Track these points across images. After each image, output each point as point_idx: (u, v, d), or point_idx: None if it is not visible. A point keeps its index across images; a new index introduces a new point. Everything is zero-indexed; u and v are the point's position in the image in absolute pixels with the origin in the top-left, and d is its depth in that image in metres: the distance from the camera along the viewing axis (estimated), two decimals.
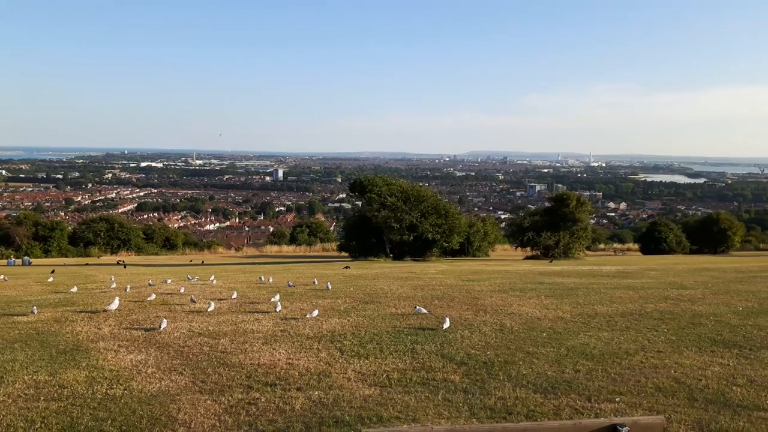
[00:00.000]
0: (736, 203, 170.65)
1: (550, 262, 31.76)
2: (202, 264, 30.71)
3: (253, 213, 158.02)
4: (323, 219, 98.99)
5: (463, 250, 39.34)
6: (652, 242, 47.84)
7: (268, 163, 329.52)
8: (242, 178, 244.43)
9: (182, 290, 14.07)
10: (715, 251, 48.15)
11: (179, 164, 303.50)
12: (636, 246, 54.48)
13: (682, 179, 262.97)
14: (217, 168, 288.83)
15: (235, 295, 12.77)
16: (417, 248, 33.74)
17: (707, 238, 49.27)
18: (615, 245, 61.50)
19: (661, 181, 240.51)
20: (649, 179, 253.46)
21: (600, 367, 7.17)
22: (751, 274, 18.55)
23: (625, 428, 3.54)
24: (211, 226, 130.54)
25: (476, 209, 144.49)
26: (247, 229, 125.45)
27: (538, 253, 38.39)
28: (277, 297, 12.47)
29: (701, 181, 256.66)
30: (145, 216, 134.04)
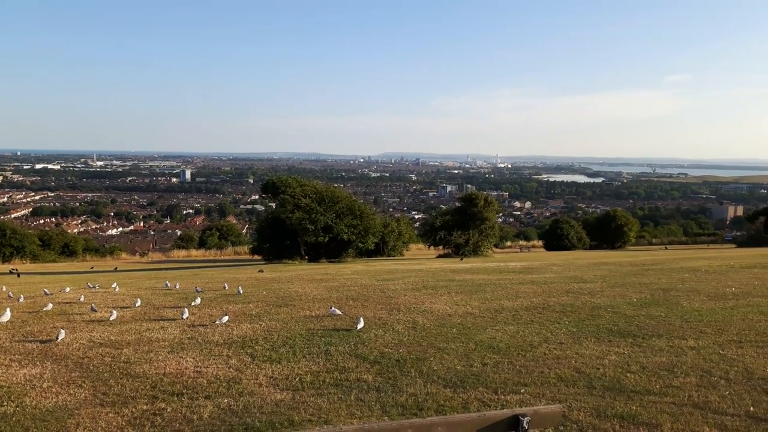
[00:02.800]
0: (631, 201, 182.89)
1: (461, 259, 32.64)
2: (115, 270, 29.13)
3: (159, 216, 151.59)
4: (235, 221, 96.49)
5: (379, 250, 39.65)
6: (554, 239, 50.23)
7: (175, 163, 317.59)
8: (147, 180, 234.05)
9: (82, 299, 13.27)
10: (612, 246, 51.27)
11: (78, 166, 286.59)
12: (540, 243, 57.05)
13: (582, 179, 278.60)
14: (120, 169, 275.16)
15: (139, 303, 12.19)
16: (332, 249, 33.62)
17: (605, 234, 52.38)
18: (521, 242, 64.13)
19: (563, 181, 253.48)
20: (551, 179, 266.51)
21: (506, 360, 7.46)
22: (644, 267, 19.91)
23: (526, 418, 3.70)
24: (114, 231, 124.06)
25: (391, 209, 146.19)
26: (152, 233, 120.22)
27: (450, 251, 39.35)
28: (198, 301, 12.07)
29: (600, 180, 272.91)
30: (42, 221, 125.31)
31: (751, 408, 5.61)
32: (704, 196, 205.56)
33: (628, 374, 6.77)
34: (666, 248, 48.52)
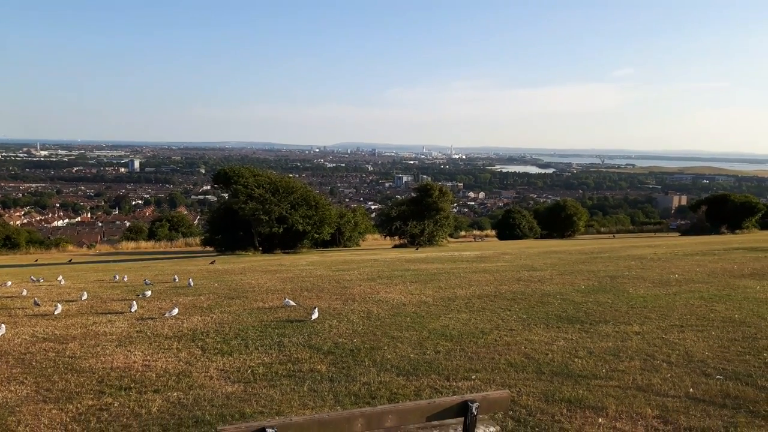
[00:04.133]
0: (581, 191, 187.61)
1: (416, 249, 32.88)
2: (70, 262, 28.14)
3: (106, 207, 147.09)
4: (186, 212, 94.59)
5: (335, 241, 39.53)
6: (507, 228, 51.13)
7: (123, 153, 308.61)
8: (94, 170, 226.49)
9: (24, 293, 12.78)
10: (562, 235, 52.53)
11: (21, 155, 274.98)
12: (493, 232, 57.98)
13: (533, 170, 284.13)
14: (65, 159, 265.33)
15: (85, 296, 11.82)
16: (287, 240, 33.33)
17: (556, 223, 53.61)
18: (475, 232, 65.07)
19: (515, 172, 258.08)
20: (504, 170, 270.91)
21: (458, 347, 7.56)
22: (592, 255, 20.48)
23: (475, 404, 3.76)
24: (60, 222, 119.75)
25: (347, 200, 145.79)
26: (100, 224, 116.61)
27: (406, 241, 39.60)
28: (148, 293, 11.79)
29: (551, 171, 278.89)
30: None
31: (691, 389, 5.84)
32: (650, 186, 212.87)
33: (576, 359, 6.96)
34: (614, 237, 50.05)
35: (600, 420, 5.12)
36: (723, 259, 17.43)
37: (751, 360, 6.78)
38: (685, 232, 49.92)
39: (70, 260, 31.10)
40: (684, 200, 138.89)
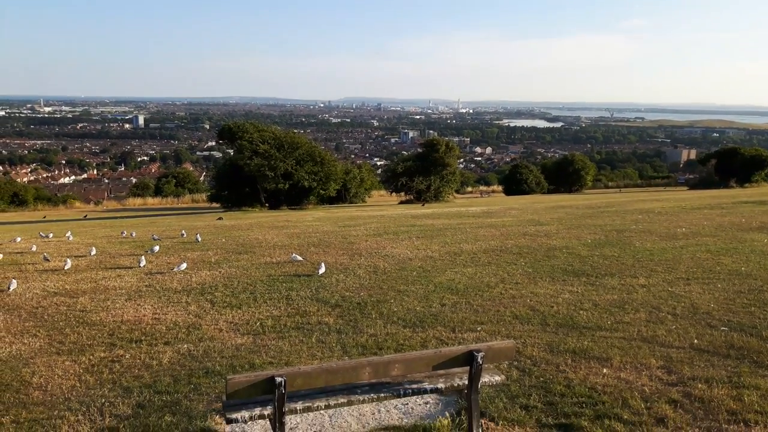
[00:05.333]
0: (589, 145, 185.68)
1: (422, 205, 32.85)
2: (85, 218, 28.35)
3: (112, 164, 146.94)
4: (191, 168, 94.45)
5: (341, 197, 39.49)
6: (514, 183, 50.84)
7: (127, 109, 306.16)
8: (98, 126, 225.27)
9: (34, 248, 12.89)
10: (570, 190, 52.25)
11: (25, 112, 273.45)
12: (500, 188, 57.69)
13: (542, 124, 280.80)
14: (70, 116, 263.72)
15: (94, 252, 11.92)
16: (293, 197, 33.30)
17: (563, 178, 53.21)
18: (481, 187, 64.83)
19: (523, 126, 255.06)
20: (512, 124, 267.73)
21: (464, 300, 7.62)
22: (599, 209, 20.41)
23: (480, 354, 3.80)
24: (67, 179, 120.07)
25: (353, 156, 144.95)
26: (106, 181, 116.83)
27: (412, 197, 39.52)
28: (156, 249, 11.87)
29: (559, 125, 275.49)
30: None
31: (695, 341, 5.89)
32: (660, 140, 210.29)
33: (581, 311, 7.01)
34: (621, 191, 49.80)
35: (604, 370, 5.18)
36: (731, 212, 17.34)
37: (757, 312, 6.81)
38: (693, 186, 49.57)
39: (86, 216, 31.31)
40: (693, 154, 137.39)
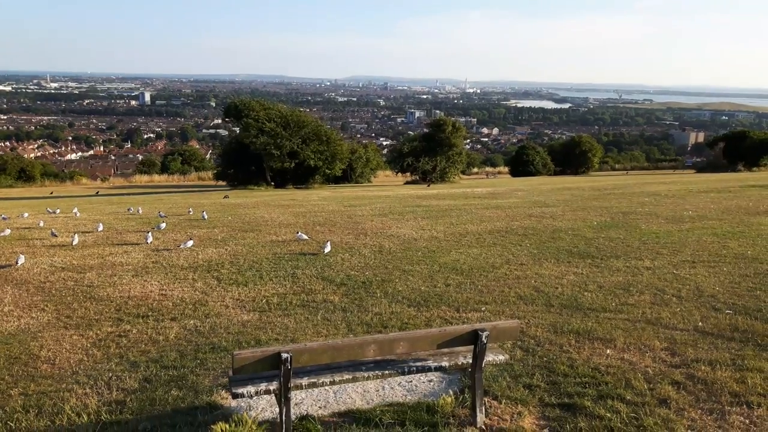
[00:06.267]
0: (596, 127, 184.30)
1: (428, 186, 32.79)
2: (97, 195, 28.48)
3: (119, 141, 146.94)
4: (197, 146, 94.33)
5: (346, 177, 39.46)
6: (520, 165, 50.61)
7: (133, 85, 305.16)
8: (105, 103, 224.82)
9: (41, 224, 12.98)
10: (576, 172, 52.00)
11: (31, 87, 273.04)
12: (506, 169, 57.51)
13: (549, 104, 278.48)
14: (76, 92, 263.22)
15: (101, 228, 11.98)
16: (299, 176, 33.30)
17: (570, 159, 52.94)
18: (487, 169, 64.62)
19: (530, 107, 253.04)
20: (519, 105, 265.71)
21: (469, 281, 7.64)
22: (605, 191, 20.33)
23: (485, 332, 3.81)
24: (73, 156, 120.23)
25: (359, 135, 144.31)
26: (113, 158, 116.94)
27: (417, 177, 39.45)
28: (163, 225, 11.91)
29: (567, 106, 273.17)
30: None
31: (700, 323, 5.90)
32: (668, 123, 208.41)
33: (586, 293, 7.02)
34: (627, 174, 49.52)
35: (608, 351, 5.20)
36: (738, 196, 17.24)
37: (762, 295, 6.80)
38: (700, 169, 49.23)
39: (97, 192, 31.45)
40: (701, 137, 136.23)
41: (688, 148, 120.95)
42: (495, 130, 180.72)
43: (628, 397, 4.32)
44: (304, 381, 3.73)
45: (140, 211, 15.36)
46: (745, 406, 4.20)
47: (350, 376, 3.82)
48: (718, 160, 47.26)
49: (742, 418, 4.04)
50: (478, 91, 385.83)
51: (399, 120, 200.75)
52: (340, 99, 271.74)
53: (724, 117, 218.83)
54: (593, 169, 54.10)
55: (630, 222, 12.25)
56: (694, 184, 23.67)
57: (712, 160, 49.26)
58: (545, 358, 5.07)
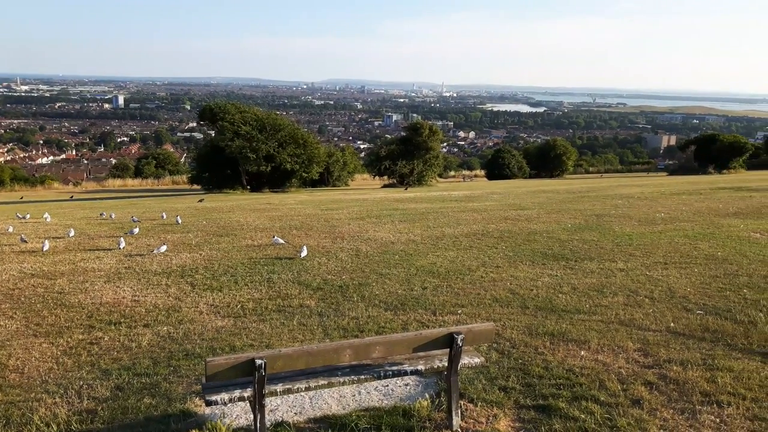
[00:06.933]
0: (571, 130, 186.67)
1: (405, 189, 32.87)
2: (71, 199, 27.90)
3: (92, 144, 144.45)
4: (172, 150, 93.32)
5: (323, 181, 39.37)
6: (496, 168, 51.06)
7: (107, 88, 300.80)
8: (77, 106, 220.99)
9: (11, 229, 12.69)
10: (551, 175, 52.61)
11: (1, 90, 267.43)
12: (483, 172, 57.91)
13: (525, 108, 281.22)
14: (47, 95, 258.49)
15: (72, 233, 11.76)
16: (275, 179, 33.12)
17: (545, 163, 53.57)
18: (464, 172, 64.96)
19: (506, 111, 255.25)
20: (495, 109, 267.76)
21: (445, 284, 7.66)
22: (580, 194, 20.58)
23: (460, 336, 3.82)
24: (44, 160, 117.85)
25: (336, 139, 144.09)
26: (85, 162, 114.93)
27: (395, 181, 39.51)
28: (136, 230, 11.69)
29: (542, 110, 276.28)
30: None
31: (672, 324, 5.99)
32: (641, 126, 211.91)
33: (560, 295, 7.09)
34: (602, 176, 50.22)
35: (582, 353, 5.25)
36: (709, 198, 17.58)
37: (731, 296, 6.94)
38: (672, 171, 50.13)
39: (72, 196, 30.88)
40: (673, 140, 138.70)
41: (661, 151, 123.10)
42: (471, 134, 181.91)
43: (602, 398, 4.36)
44: (279, 387, 3.70)
45: (113, 216, 15.13)
46: (715, 405, 4.27)
47: (326, 382, 3.80)
48: (690, 162, 48.19)
49: (712, 417, 4.11)
50: (455, 94, 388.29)
51: (376, 123, 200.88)
52: (317, 102, 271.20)
53: (695, 120, 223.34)
54: (568, 172, 54.80)
55: (603, 224, 12.41)
56: (666, 186, 24.09)
57: (683, 163, 50.21)
58: (520, 360, 5.10)
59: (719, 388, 4.50)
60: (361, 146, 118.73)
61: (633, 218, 13.26)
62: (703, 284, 7.46)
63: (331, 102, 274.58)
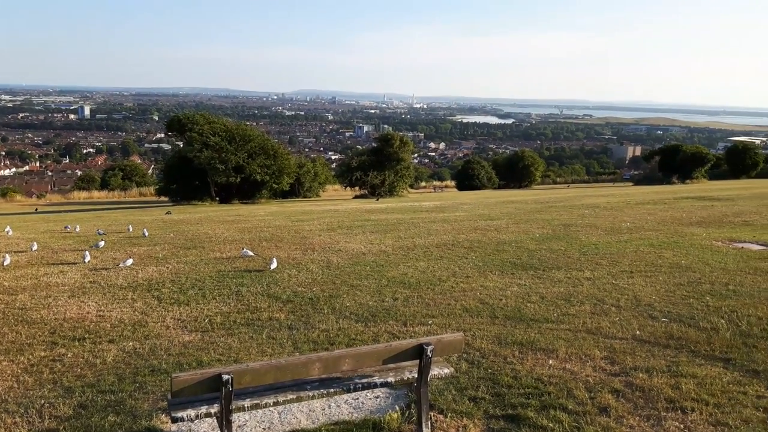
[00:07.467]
0: (539, 142, 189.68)
1: (377, 200, 32.92)
2: (36, 212, 27.14)
3: (56, 156, 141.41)
4: (139, 161, 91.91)
5: (294, 192, 39.15)
6: (466, 179, 51.54)
7: (72, 99, 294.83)
8: (42, 117, 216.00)
9: None
10: (520, 185, 53.31)
11: None
12: (453, 183, 58.40)
13: (494, 120, 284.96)
14: (10, 105, 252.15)
15: (35, 247, 11.45)
16: (245, 190, 32.82)
17: (514, 173, 54.32)
18: (435, 183, 65.41)
19: (475, 122, 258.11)
20: (465, 120, 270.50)
21: (416, 294, 7.68)
22: (547, 204, 20.88)
23: (430, 347, 3.83)
24: (7, 171, 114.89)
25: (307, 150, 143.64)
26: (50, 173, 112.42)
27: (366, 192, 39.54)
28: (101, 244, 11.44)
29: (510, 121, 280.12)
30: None
31: (638, 332, 6.10)
32: (606, 137, 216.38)
33: (529, 304, 7.16)
34: (569, 187, 51.06)
35: (550, 361, 5.31)
36: (672, 207, 18.02)
37: (695, 303, 7.10)
38: (637, 182, 51.25)
39: (36, 209, 30.12)
40: (638, 151, 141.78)
41: (626, 162, 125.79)
42: (442, 145, 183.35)
43: (570, 407, 4.41)
44: (247, 402, 3.65)
45: (78, 229, 14.79)
46: (679, 411, 4.35)
47: (294, 396, 3.76)
48: (654, 173, 49.35)
49: (677, 423, 4.19)
50: (425, 106, 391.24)
51: (347, 134, 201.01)
52: (288, 113, 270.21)
53: (659, 132, 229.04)
54: (536, 183, 55.62)
55: (571, 234, 12.60)
56: (632, 196, 24.61)
57: (648, 173, 51.39)
58: (490, 370, 5.13)
59: (683, 395, 4.59)
60: (333, 157, 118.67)
61: (599, 228, 13.50)
62: (667, 292, 7.63)
63: (302, 113, 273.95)
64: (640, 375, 4.97)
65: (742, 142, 67.47)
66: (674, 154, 48.04)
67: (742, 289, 7.72)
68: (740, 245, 11.01)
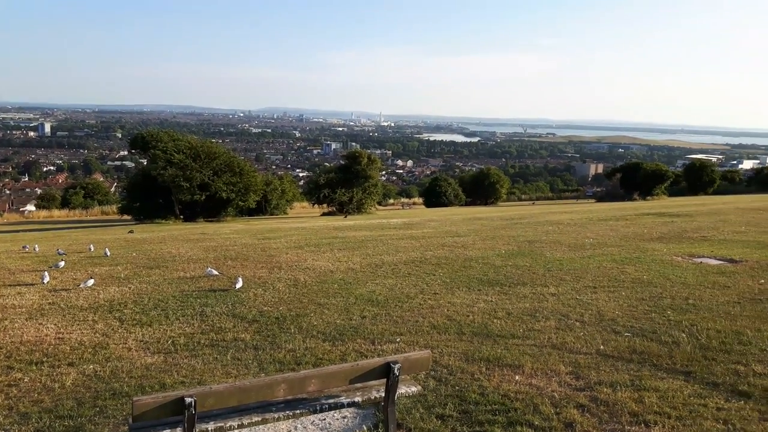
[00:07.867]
0: (504, 159, 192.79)
1: (345, 217, 32.88)
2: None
3: (15, 173, 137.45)
4: (102, 179, 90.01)
5: (261, 209, 38.83)
6: (434, 196, 51.98)
7: (32, 116, 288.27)
8: (0, 134, 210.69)
9: None
10: (486, 202, 53.95)
11: None
12: (421, 200, 58.78)
13: (460, 138, 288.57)
14: None
15: None
16: (210, 208, 32.43)
17: (480, 191, 55.01)
18: (402, 200, 65.70)
19: (442, 140, 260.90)
20: (432, 138, 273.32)
21: (384, 312, 7.66)
22: (513, 221, 21.15)
23: (397, 365, 3.82)
24: None
25: (274, 167, 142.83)
26: (8, 192, 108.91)
27: (334, 209, 39.46)
28: (61, 264, 11.13)
29: (476, 140, 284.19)
30: None
31: (602, 346, 6.19)
32: (569, 155, 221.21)
33: (495, 320, 7.21)
34: (534, 204, 51.86)
35: (517, 377, 5.34)
36: (634, 223, 18.44)
37: (657, 318, 7.25)
38: (600, 198, 52.40)
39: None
40: (600, 168, 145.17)
41: (589, 179, 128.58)
42: (409, 163, 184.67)
43: (536, 423, 4.44)
44: (210, 426, 3.57)
45: (37, 249, 14.37)
46: (643, 425, 4.42)
47: (260, 418, 3.70)
48: (616, 189, 50.54)
49: None
50: (393, 124, 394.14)
51: (315, 152, 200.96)
52: (255, 130, 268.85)
53: (620, 149, 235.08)
54: (501, 200, 56.37)
55: (535, 250, 12.78)
56: (595, 212, 25.11)
57: (610, 190, 52.61)
58: (457, 387, 5.14)
59: (646, 408, 4.67)
60: (300, 174, 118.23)
61: (563, 244, 13.72)
62: (630, 307, 7.77)
63: (269, 130, 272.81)
64: (605, 389, 5.03)
65: (699, 159, 69.77)
66: (635, 172, 49.32)
67: (702, 303, 7.92)
68: (699, 260, 11.32)
